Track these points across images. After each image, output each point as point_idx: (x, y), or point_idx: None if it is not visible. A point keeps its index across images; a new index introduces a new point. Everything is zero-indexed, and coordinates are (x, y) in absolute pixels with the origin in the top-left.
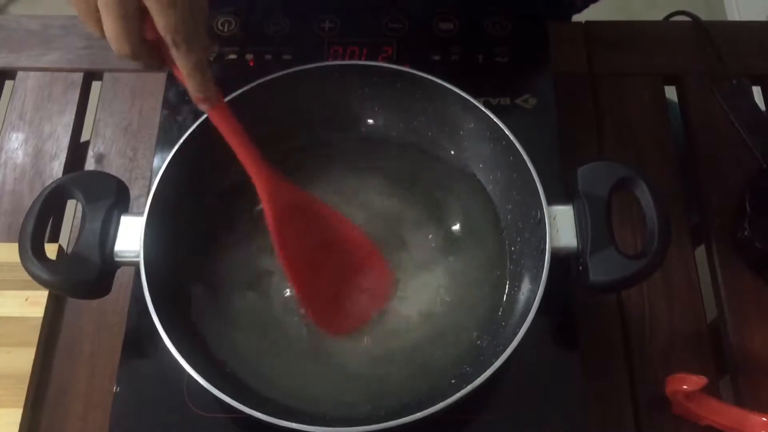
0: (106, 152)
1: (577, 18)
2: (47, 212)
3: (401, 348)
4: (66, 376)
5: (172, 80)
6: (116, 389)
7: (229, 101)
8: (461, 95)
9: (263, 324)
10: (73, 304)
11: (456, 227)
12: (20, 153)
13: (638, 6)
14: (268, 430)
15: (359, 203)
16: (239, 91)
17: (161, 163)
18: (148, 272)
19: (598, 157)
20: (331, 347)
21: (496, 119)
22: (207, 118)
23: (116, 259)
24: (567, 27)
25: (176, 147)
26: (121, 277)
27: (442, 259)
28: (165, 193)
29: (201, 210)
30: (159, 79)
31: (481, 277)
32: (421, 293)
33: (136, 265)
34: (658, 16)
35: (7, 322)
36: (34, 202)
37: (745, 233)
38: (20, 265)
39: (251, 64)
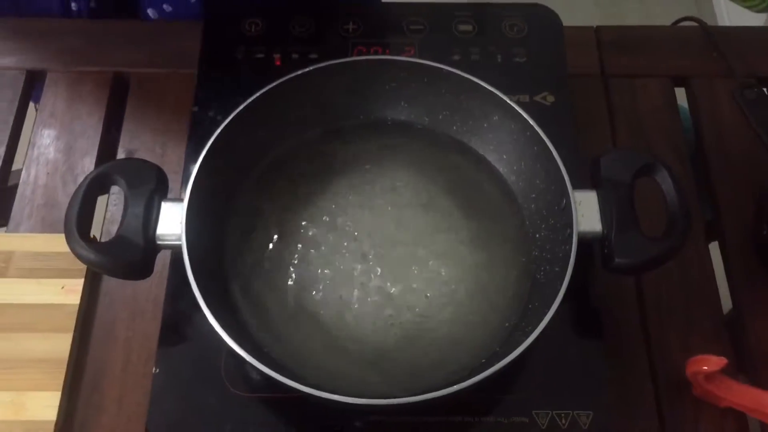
0: (135, 148)
1: (587, 23)
2: (91, 197)
3: (432, 331)
4: (102, 360)
5: (201, 78)
6: (155, 370)
7: (265, 92)
8: (488, 89)
9: (300, 305)
10: (107, 291)
11: (480, 215)
12: (52, 149)
13: (632, 17)
14: (304, 409)
15: (384, 194)
16: (276, 83)
17: (195, 152)
18: (191, 255)
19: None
20: (364, 331)
21: (521, 111)
22: (246, 106)
23: (158, 242)
24: (578, 31)
25: (215, 134)
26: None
27: (468, 246)
28: (204, 179)
29: (239, 193)
30: (186, 78)
31: (507, 263)
32: (449, 279)
33: (177, 248)
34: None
35: (45, 309)
36: (78, 188)
37: (764, 232)
38: (56, 254)
39: (278, 63)
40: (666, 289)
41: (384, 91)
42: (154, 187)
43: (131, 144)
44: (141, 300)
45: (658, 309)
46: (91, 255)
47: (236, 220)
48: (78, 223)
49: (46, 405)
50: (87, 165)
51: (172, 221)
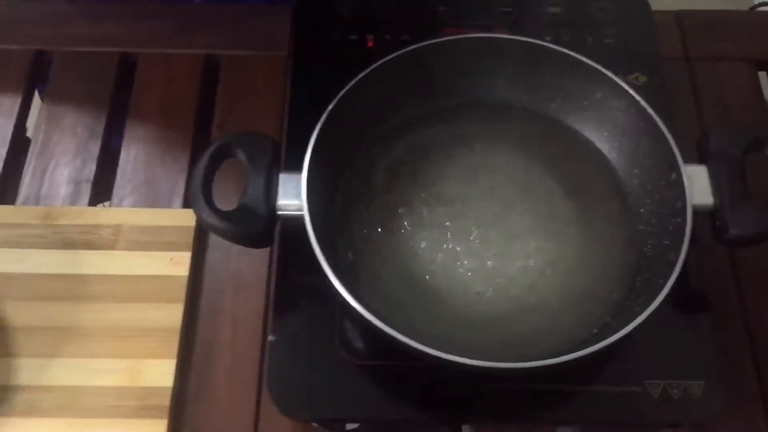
0: (229, 128)
1: (667, 6)
2: (213, 167)
3: (539, 302)
4: (211, 330)
5: (295, 61)
6: (271, 338)
7: (376, 67)
8: (593, 67)
9: (410, 275)
10: (212, 264)
11: (581, 192)
12: (150, 128)
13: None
14: (418, 376)
15: (486, 171)
16: (388, 58)
17: (295, 130)
18: (314, 225)
19: None
20: (474, 301)
21: (629, 89)
22: (357, 81)
23: (278, 212)
24: (659, 15)
25: (327, 110)
26: None
27: (571, 222)
28: (318, 152)
29: (350, 166)
30: (275, 60)
31: (611, 237)
32: (553, 252)
33: (297, 218)
34: None
35: (154, 281)
36: (200, 159)
37: None
38: (162, 228)
39: (370, 45)
40: (761, 264)
41: (483, 69)
42: (271, 158)
43: (225, 124)
44: (245, 273)
45: (754, 283)
46: (217, 222)
47: (347, 191)
48: (203, 191)
49: (162, 372)
50: (184, 143)
51: (291, 192)
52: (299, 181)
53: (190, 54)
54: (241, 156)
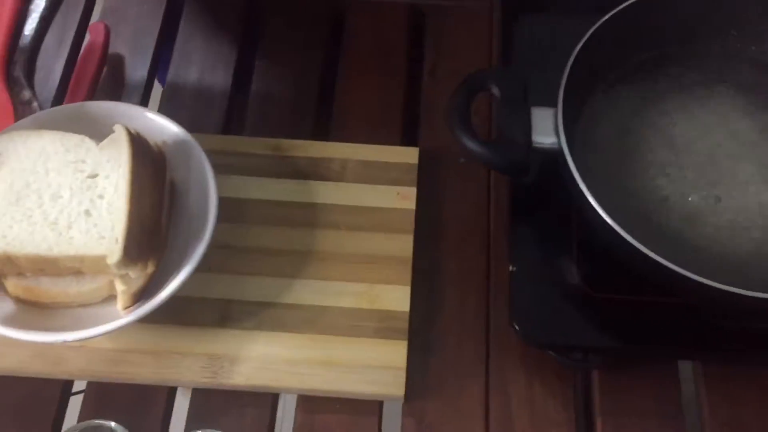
0: (439, 70)
1: None
2: (469, 99)
3: None
4: (439, 261)
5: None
6: (512, 269)
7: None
8: None
9: (646, 215)
10: (436, 200)
11: None
12: (364, 71)
13: None
14: (656, 310)
15: (714, 117)
16: (617, 9)
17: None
18: (574, 158)
19: None
20: (715, 240)
21: None
22: (603, 22)
23: (534, 145)
24: None
25: (576, 51)
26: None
27: None
28: (568, 89)
29: (589, 101)
30: (480, 8)
31: None
32: None
33: (551, 151)
34: None
35: (384, 212)
36: (458, 88)
37: None
38: (386, 164)
39: None
40: None
41: (715, 19)
42: (523, 93)
43: (435, 69)
44: (466, 208)
45: None
46: (483, 150)
47: (585, 131)
48: (464, 120)
49: (398, 297)
50: (397, 87)
51: (544, 125)
52: (551, 115)
53: (395, 3)
54: (495, 89)
